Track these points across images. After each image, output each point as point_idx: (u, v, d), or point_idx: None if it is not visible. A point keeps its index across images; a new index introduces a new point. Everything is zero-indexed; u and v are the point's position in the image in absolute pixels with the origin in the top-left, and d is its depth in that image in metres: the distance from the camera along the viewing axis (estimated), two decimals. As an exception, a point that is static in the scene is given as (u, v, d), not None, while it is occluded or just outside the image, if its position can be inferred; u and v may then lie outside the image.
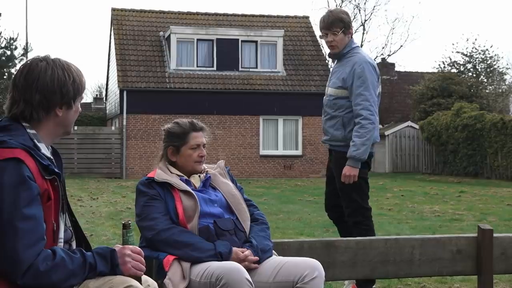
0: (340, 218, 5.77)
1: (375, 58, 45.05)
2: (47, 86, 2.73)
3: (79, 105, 2.89)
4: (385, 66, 44.21)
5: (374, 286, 5.42)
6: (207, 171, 3.98)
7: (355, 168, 5.42)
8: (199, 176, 3.92)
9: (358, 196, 5.57)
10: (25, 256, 2.52)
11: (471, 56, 38.12)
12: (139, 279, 2.76)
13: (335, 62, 5.68)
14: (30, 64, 2.78)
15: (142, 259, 2.79)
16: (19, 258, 2.51)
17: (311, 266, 3.54)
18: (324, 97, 5.68)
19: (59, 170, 2.80)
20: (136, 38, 29.23)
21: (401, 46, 62.54)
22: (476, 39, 41.14)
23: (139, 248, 2.82)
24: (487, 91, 37.22)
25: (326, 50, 55.22)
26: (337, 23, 5.44)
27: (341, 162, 5.46)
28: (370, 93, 5.34)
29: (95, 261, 2.67)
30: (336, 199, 5.74)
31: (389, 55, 45.66)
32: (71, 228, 2.91)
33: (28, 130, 2.74)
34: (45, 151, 2.78)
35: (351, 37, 5.57)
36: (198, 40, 28.16)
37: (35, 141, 2.74)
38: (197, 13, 31.62)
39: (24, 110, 2.73)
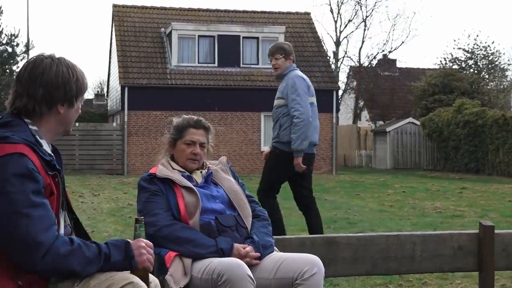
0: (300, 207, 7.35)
1: (377, 54, 45.07)
2: (51, 81, 2.76)
3: (80, 105, 2.92)
4: (387, 63, 44.24)
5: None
6: (208, 167, 3.98)
7: (298, 158, 6.76)
8: (201, 172, 3.92)
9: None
10: (43, 238, 2.55)
11: (472, 53, 38.09)
12: (147, 274, 2.81)
13: (280, 81, 7.05)
14: (35, 60, 2.81)
15: (153, 253, 2.84)
16: (37, 241, 2.53)
17: (311, 262, 3.54)
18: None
19: (59, 167, 2.82)
20: (138, 34, 29.23)
21: (403, 42, 62.75)
22: (477, 35, 41.29)
23: (150, 242, 2.87)
24: (488, 87, 37.21)
25: (327, 47, 55.07)
26: (279, 51, 7.01)
27: (272, 155, 6.99)
28: (302, 98, 6.69)
29: (110, 251, 2.70)
30: (294, 191, 7.26)
31: (390, 52, 45.64)
32: (70, 225, 2.92)
33: (30, 126, 2.76)
34: (46, 147, 2.80)
35: (292, 62, 7.03)
36: (199, 36, 28.15)
37: (37, 137, 2.76)
38: (199, 10, 31.62)
39: (27, 104, 2.75)
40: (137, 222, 2.98)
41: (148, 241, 2.86)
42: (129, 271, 2.75)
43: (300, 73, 6.94)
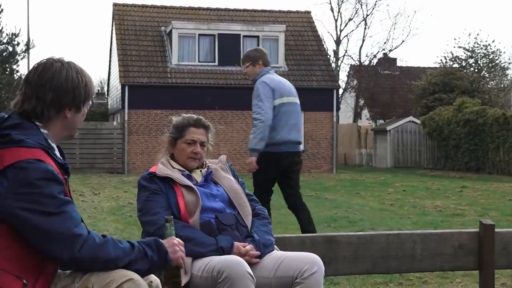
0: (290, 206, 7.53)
1: (377, 53, 45.06)
2: (61, 86, 2.78)
3: (86, 110, 2.95)
4: (387, 61, 44.24)
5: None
6: (208, 166, 3.98)
7: (252, 157, 7.03)
8: (201, 171, 3.92)
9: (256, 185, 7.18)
10: (79, 230, 2.63)
11: (473, 51, 38.07)
12: (179, 272, 2.93)
13: None
14: (45, 63, 2.82)
15: (185, 251, 2.94)
16: (75, 234, 2.61)
17: (311, 261, 3.54)
18: None
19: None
20: (138, 33, 29.23)
21: (403, 41, 62.62)
22: (478, 34, 41.27)
23: (182, 241, 2.94)
24: (489, 86, 37.19)
25: (327, 45, 55.10)
26: (245, 59, 7.29)
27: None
28: (263, 103, 6.95)
29: (142, 247, 2.77)
30: (281, 190, 7.44)
31: (390, 50, 45.64)
32: None
33: (42, 130, 2.78)
34: (57, 151, 2.83)
35: (263, 66, 7.24)
36: (199, 35, 28.15)
37: (49, 141, 2.78)
38: (199, 8, 31.61)
39: (36, 107, 2.76)
40: (168, 222, 3.05)
41: (180, 240, 2.93)
42: (164, 269, 2.86)
43: (267, 77, 7.14)
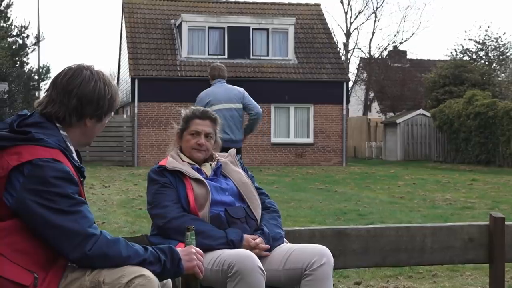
0: None
1: (387, 45, 44.94)
2: (86, 95, 2.81)
3: (106, 121, 2.98)
4: (397, 54, 44.14)
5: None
6: (218, 159, 3.98)
7: None
8: (210, 164, 3.92)
9: None
10: (92, 230, 2.65)
11: (483, 44, 37.91)
12: (198, 282, 2.93)
13: None
14: (76, 69, 2.85)
15: (203, 261, 2.93)
16: (89, 233, 2.63)
17: (320, 253, 3.54)
18: None
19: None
20: (148, 26, 29.23)
21: (413, 33, 62.46)
22: (489, 27, 41.23)
23: (201, 251, 2.94)
24: (499, 78, 37.02)
25: (337, 38, 55.05)
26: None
27: None
28: None
29: (155, 251, 2.77)
30: None
31: (401, 43, 45.56)
32: None
33: (62, 132, 2.81)
34: (74, 154, 2.85)
35: (213, 79, 9.20)
36: (209, 28, 28.13)
37: (68, 143, 2.81)
38: (208, 1, 31.57)
39: (59, 111, 2.79)
40: (188, 231, 3.06)
41: (199, 249, 2.93)
42: (179, 276, 2.86)
43: (205, 90, 9.11)
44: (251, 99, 9.24)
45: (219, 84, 9.15)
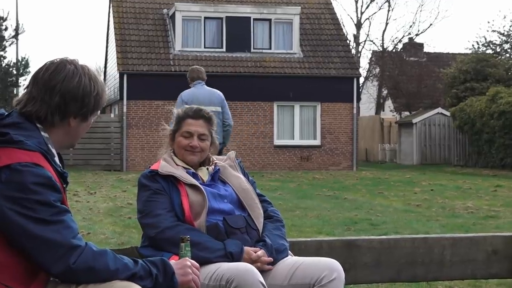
0: None
1: (402, 37, 44.99)
2: (70, 91, 2.80)
3: (92, 121, 2.97)
4: (413, 47, 44.19)
5: None
6: (215, 163, 3.98)
7: None
8: (207, 168, 3.92)
9: None
10: (77, 241, 2.65)
11: (508, 36, 37.93)
12: None
13: None
14: (58, 64, 2.84)
15: (199, 274, 2.94)
16: (73, 244, 2.63)
17: (330, 267, 3.54)
18: None
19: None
20: (138, 16, 29.27)
21: (431, 24, 62.25)
22: (514, 17, 40.87)
23: (197, 263, 2.95)
24: (526, 74, 37.04)
25: (347, 30, 54.96)
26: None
27: None
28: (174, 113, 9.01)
29: (146, 264, 2.78)
30: None
31: (417, 35, 45.58)
32: None
33: (43, 133, 2.80)
34: (56, 158, 2.84)
35: (192, 81, 10.20)
36: (205, 18, 28.17)
37: (49, 146, 2.80)
38: (205, -11, 31.60)
39: (40, 110, 2.78)
40: (183, 242, 3.07)
41: (195, 262, 2.94)
42: None
43: (185, 91, 10.10)
44: (227, 106, 10.26)
45: (199, 85, 10.02)
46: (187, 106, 4.07)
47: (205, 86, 10.16)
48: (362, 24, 44.91)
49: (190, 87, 10.35)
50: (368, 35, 51.59)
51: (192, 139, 3.88)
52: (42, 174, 2.62)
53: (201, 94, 9.75)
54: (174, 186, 3.73)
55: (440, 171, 26.93)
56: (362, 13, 45.02)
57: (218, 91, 10.27)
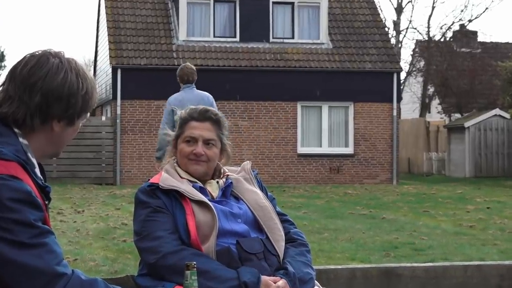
0: None
1: (452, 24, 44.89)
2: (53, 89, 2.78)
3: (80, 125, 2.96)
4: (465, 36, 44.05)
5: None
6: (227, 175, 3.97)
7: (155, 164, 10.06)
8: (218, 182, 3.92)
9: None
10: (62, 269, 2.65)
11: None
12: None
13: None
14: (40, 57, 2.82)
15: None
16: (56, 272, 2.63)
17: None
18: None
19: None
20: (134, 0, 29.34)
21: (487, 8, 62.46)
22: None
23: None
24: None
25: (385, 15, 55.20)
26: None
27: None
28: (164, 116, 10.46)
29: None
30: None
31: (470, 21, 45.50)
32: None
33: (21, 139, 2.79)
34: (37, 169, 2.83)
35: (183, 83, 10.82)
36: (215, 2, 28.22)
37: (29, 154, 2.79)
38: (214, -34, 31.69)
39: (18, 112, 2.76)
40: (188, 269, 3.10)
41: None
42: None
43: (173, 95, 10.83)
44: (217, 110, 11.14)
45: (188, 89, 10.82)
46: (192, 107, 4.04)
47: (195, 89, 10.87)
48: (403, 8, 44.92)
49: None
50: (410, 21, 51.69)
51: (196, 145, 3.86)
52: (20, 189, 2.62)
53: (190, 99, 10.21)
54: (178, 202, 3.73)
55: (498, 185, 26.83)
56: (403, -5, 45.01)
57: (208, 94, 10.89)
